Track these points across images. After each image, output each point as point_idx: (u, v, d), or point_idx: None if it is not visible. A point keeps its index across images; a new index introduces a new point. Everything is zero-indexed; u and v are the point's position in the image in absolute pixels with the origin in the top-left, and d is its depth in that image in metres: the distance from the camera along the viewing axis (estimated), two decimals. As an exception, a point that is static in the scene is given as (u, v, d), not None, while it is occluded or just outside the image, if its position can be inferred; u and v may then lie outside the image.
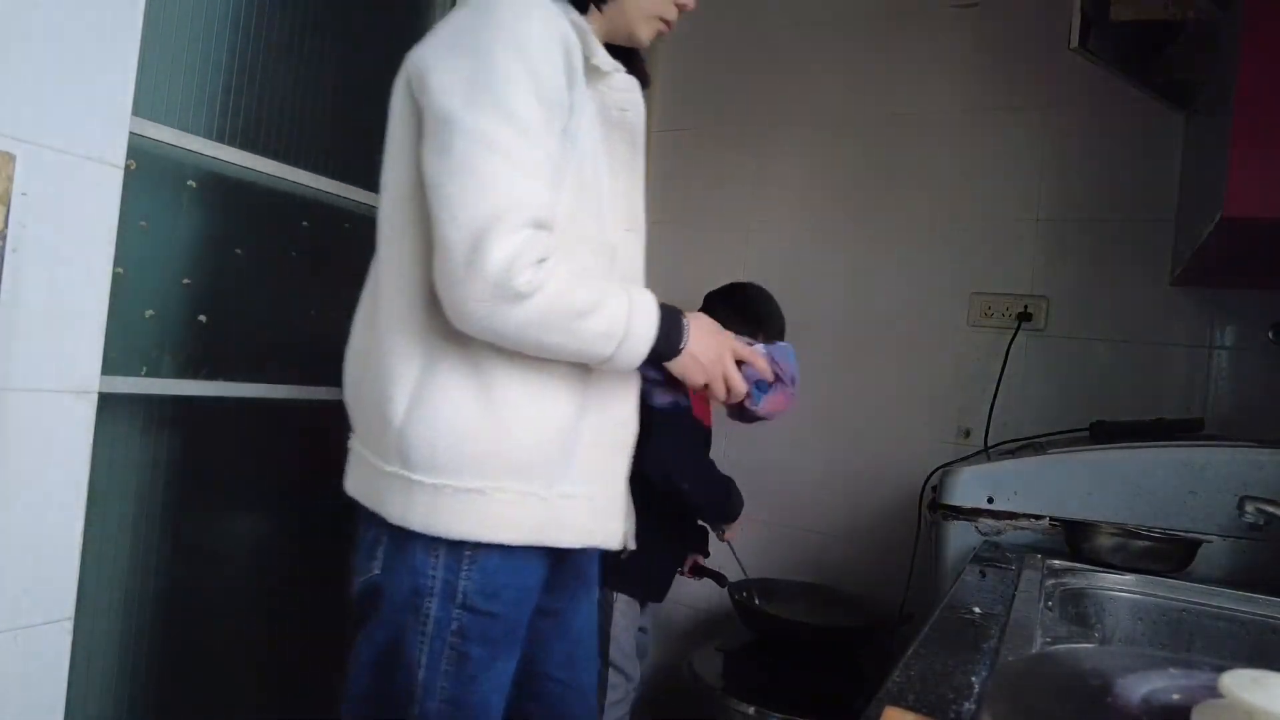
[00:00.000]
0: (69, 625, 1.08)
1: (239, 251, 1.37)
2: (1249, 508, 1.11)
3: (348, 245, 1.57)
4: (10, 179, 0.96)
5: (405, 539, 0.86)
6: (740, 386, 0.96)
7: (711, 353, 0.92)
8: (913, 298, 2.10)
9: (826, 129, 2.23)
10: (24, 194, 0.98)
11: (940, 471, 1.65)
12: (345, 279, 1.56)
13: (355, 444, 0.94)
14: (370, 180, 1.57)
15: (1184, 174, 1.79)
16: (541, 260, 0.79)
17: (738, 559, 1.92)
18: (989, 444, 1.90)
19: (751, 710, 1.52)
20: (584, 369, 0.89)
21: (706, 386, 0.94)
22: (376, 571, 0.89)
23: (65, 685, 1.09)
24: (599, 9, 0.93)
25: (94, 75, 1.05)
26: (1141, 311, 1.86)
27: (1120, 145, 1.90)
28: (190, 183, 1.30)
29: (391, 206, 0.89)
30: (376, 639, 0.90)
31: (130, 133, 1.11)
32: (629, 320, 0.84)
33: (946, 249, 2.06)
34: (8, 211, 0.96)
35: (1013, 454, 1.62)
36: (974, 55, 2.06)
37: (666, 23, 0.98)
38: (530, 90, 0.80)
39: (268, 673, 1.53)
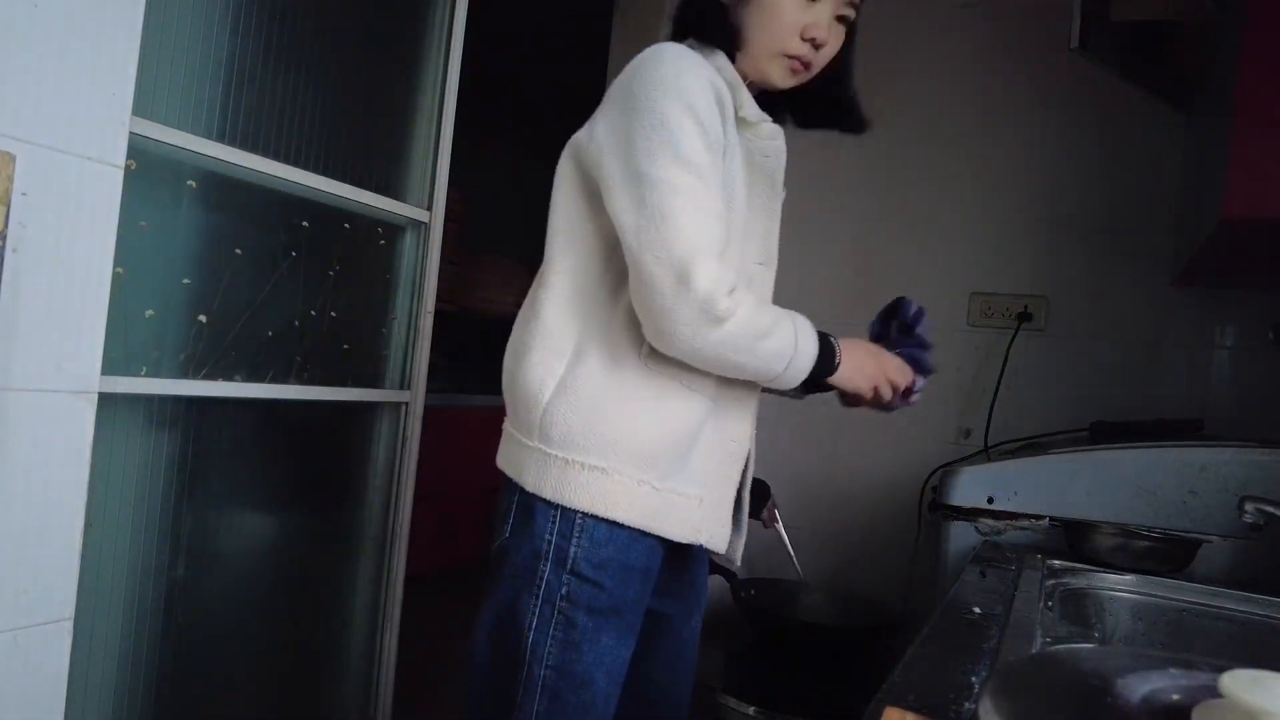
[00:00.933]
0: (69, 625, 1.08)
1: (239, 251, 1.38)
2: (1248, 507, 1.11)
3: (348, 245, 1.57)
4: (10, 179, 0.96)
5: (531, 506, 0.97)
6: (902, 384, 1.06)
7: (869, 366, 1.03)
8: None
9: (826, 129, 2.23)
10: (24, 194, 0.98)
11: (940, 471, 1.65)
12: (345, 279, 1.57)
13: (507, 425, 1.05)
14: (369, 180, 1.57)
15: (1184, 174, 1.79)
16: (733, 289, 0.90)
17: (793, 555, 1.91)
18: (989, 444, 1.90)
19: (751, 710, 1.52)
20: (713, 385, 1.01)
21: (875, 392, 1.04)
22: (506, 534, 0.99)
23: (65, 685, 1.09)
24: (732, 60, 1.02)
25: (94, 75, 1.05)
26: (1141, 311, 1.86)
27: (1120, 145, 1.90)
28: (190, 183, 1.30)
29: (555, 234, 1.03)
30: (496, 602, 0.99)
31: (130, 133, 1.11)
32: (796, 340, 0.96)
33: (946, 249, 2.06)
34: (8, 211, 0.96)
35: (1013, 454, 1.62)
36: (974, 55, 2.06)
37: (798, 59, 1.02)
38: (700, 138, 0.92)
39: (268, 673, 1.53)
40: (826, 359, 0.99)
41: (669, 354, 0.94)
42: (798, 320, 0.98)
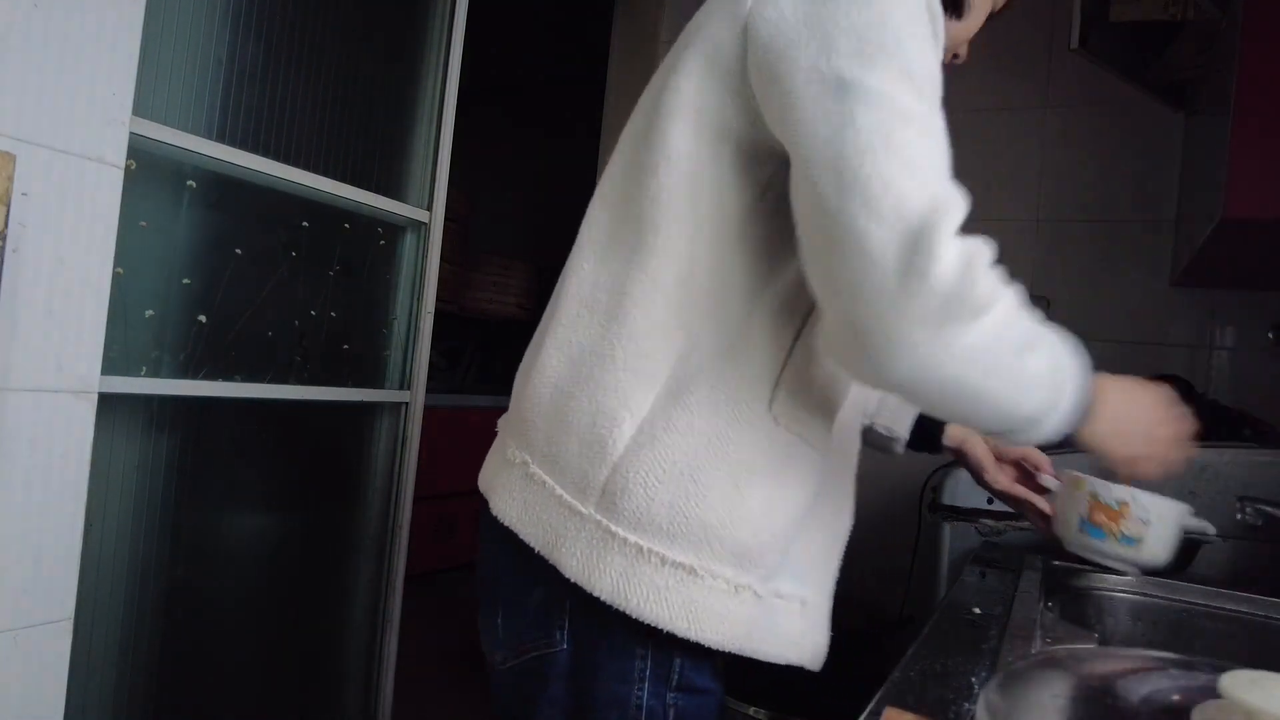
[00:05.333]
0: (69, 625, 1.08)
1: (239, 251, 1.38)
2: (1246, 508, 1.11)
3: (348, 245, 1.57)
4: (10, 179, 0.96)
5: (594, 606, 0.67)
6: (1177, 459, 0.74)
7: (1144, 418, 0.71)
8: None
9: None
10: (24, 194, 0.98)
11: (940, 472, 1.65)
12: (345, 279, 1.57)
13: (531, 464, 0.72)
14: (369, 180, 1.57)
15: (1184, 174, 1.79)
16: (993, 264, 0.59)
17: None
18: (989, 444, 1.89)
19: (750, 710, 1.52)
20: (828, 439, 0.73)
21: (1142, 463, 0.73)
22: (563, 646, 0.70)
23: (65, 685, 1.09)
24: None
25: (94, 75, 1.05)
26: (1141, 311, 1.86)
27: (1120, 145, 1.90)
28: (190, 183, 1.30)
29: (669, 195, 0.68)
30: None
31: (130, 133, 1.11)
32: (1063, 360, 0.62)
33: (946, 249, 2.06)
34: (8, 211, 0.96)
35: (1013, 454, 1.61)
36: (974, 55, 2.06)
37: (951, 62, 0.84)
38: (934, 55, 0.61)
39: (268, 673, 1.53)
40: (1085, 396, 0.63)
41: (877, 377, 0.59)
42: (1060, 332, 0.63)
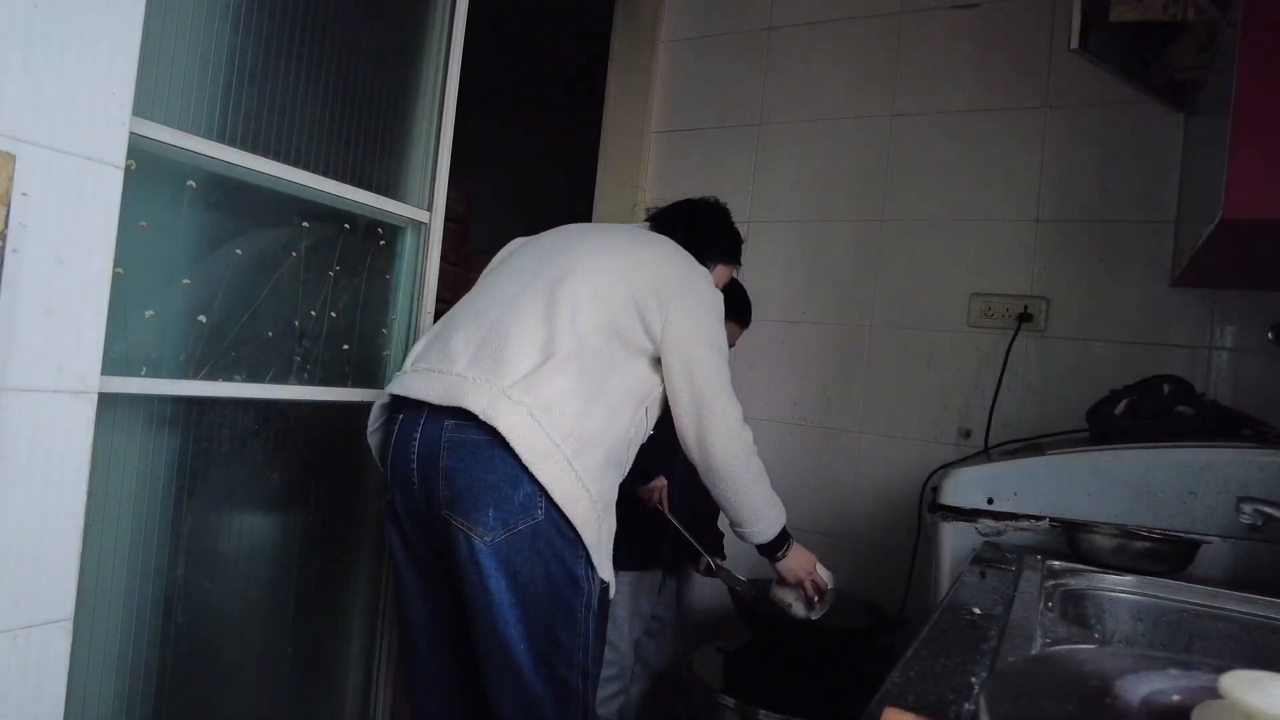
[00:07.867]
0: (69, 625, 1.08)
1: (239, 251, 1.37)
2: (1246, 508, 1.11)
3: (348, 245, 1.57)
4: (10, 179, 0.96)
5: (554, 498, 1.23)
6: (819, 588, 1.57)
7: (804, 563, 1.55)
8: (913, 298, 2.10)
9: (826, 129, 2.24)
10: (24, 194, 0.98)
11: (940, 472, 1.65)
12: (345, 279, 1.57)
13: (534, 410, 1.20)
14: (369, 180, 1.57)
15: (1184, 174, 1.79)
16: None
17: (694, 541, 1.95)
18: (989, 444, 1.90)
19: (751, 710, 1.52)
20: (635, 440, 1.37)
21: (808, 582, 1.56)
22: (542, 517, 1.21)
23: (65, 685, 1.09)
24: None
25: (94, 75, 1.05)
26: (1141, 311, 1.86)
27: (1120, 145, 1.90)
28: (190, 183, 1.29)
29: (619, 343, 1.32)
30: (552, 567, 1.22)
31: (130, 133, 1.10)
32: (777, 509, 1.46)
33: (946, 249, 2.06)
34: (8, 211, 0.96)
35: (1013, 454, 1.62)
36: (974, 55, 2.06)
37: None
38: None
39: (268, 673, 1.53)
40: (782, 541, 1.48)
41: (711, 442, 1.34)
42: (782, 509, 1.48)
